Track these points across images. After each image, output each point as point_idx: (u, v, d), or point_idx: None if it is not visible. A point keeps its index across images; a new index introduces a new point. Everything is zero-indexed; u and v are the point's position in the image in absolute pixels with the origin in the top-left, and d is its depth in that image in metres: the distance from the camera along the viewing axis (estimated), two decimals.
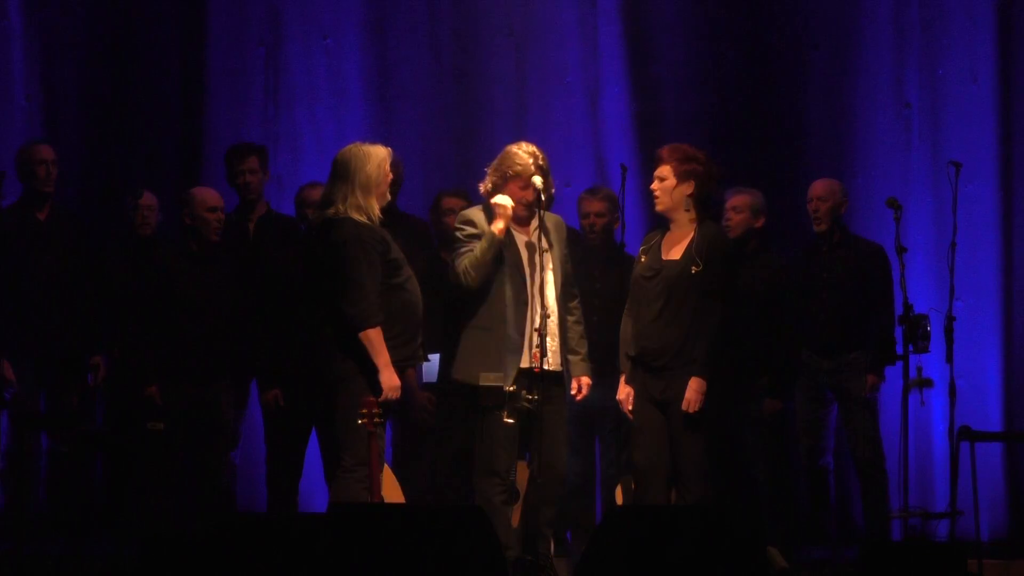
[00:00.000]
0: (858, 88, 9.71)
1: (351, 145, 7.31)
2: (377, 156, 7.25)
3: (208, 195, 8.60)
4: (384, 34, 9.89)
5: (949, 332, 8.68)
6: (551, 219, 7.59)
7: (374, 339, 7.11)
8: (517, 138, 8.99)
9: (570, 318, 7.63)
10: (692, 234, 7.50)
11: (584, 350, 7.67)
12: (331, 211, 7.20)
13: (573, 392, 7.70)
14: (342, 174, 7.23)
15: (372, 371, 7.11)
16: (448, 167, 9.75)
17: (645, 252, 7.60)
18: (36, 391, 8.85)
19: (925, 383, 8.92)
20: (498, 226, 7.45)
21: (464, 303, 7.59)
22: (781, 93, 9.77)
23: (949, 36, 9.67)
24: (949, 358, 8.66)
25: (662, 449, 7.45)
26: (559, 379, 7.60)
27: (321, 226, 7.24)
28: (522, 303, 7.48)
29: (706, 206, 7.56)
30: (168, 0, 9.87)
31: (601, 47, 9.84)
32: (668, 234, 7.59)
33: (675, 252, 7.51)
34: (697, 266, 7.42)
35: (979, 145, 9.59)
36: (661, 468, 7.44)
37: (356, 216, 7.16)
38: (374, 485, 7.11)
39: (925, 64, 9.69)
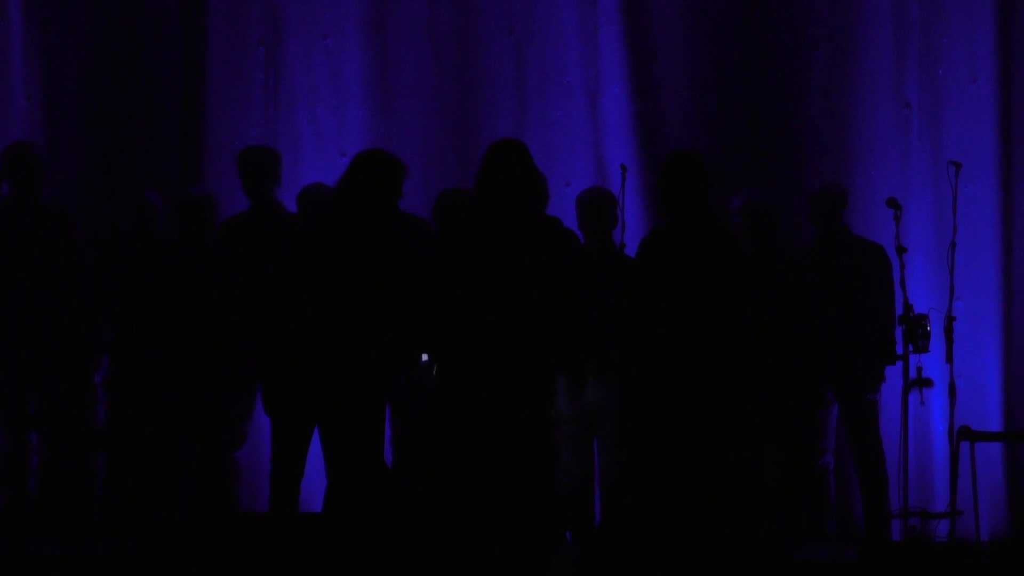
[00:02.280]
0: (858, 88, 9.71)
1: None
2: None
3: (206, 198, 8.65)
4: (384, 34, 9.89)
5: (949, 332, 8.70)
6: (544, 222, 7.55)
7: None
8: (517, 138, 9.00)
9: (562, 320, 7.60)
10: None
11: (575, 352, 7.65)
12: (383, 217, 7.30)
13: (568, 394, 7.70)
14: (394, 184, 7.31)
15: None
16: (448, 167, 9.75)
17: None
18: (25, 390, 8.87)
19: (925, 383, 8.93)
20: None
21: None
22: (781, 93, 9.77)
23: (949, 36, 9.67)
24: (949, 358, 8.67)
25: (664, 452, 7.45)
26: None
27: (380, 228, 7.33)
28: None
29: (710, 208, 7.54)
30: (168, 0, 9.87)
31: (601, 47, 9.83)
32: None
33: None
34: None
35: (979, 145, 9.59)
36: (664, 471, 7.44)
37: None
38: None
39: (925, 64, 9.69)
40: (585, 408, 8.47)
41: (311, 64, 9.86)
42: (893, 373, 8.85)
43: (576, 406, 8.41)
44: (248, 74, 9.87)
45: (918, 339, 8.60)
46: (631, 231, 8.97)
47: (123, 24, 9.84)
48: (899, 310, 8.69)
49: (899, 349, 8.73)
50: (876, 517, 8.93)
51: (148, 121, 9.81)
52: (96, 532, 8.84)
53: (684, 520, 7.06)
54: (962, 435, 8.65)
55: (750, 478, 8.60)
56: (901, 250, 8.59)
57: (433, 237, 8.80)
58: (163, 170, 9.74)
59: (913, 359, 8.67)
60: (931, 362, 8.95)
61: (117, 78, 9.82)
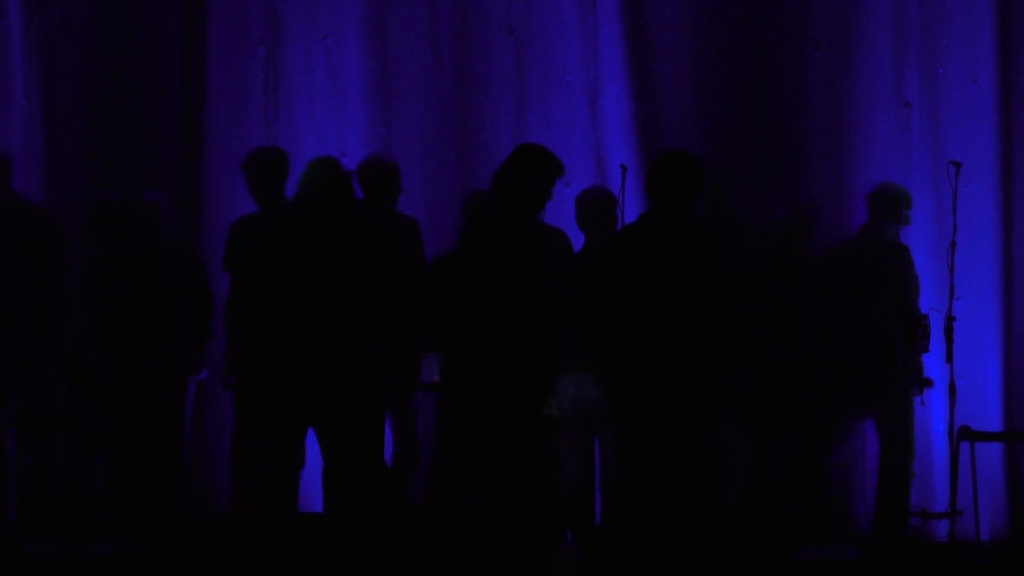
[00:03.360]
0: (858, 88, 9.71)
1: None
2: None
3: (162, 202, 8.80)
4: (384, 33, 9.89)
5: (949, 332, 8.69)
6: (536, 227, 7.55)
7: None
8: (517, 138, 9.02)
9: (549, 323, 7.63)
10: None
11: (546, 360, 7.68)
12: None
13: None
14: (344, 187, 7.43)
15: None
16: (448, 167, 9.75)
17: None
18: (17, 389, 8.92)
19: (925, 383, 8.93)
20: None
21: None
22: (781, 93, 9.77)
23: (949, 36, 9.67)
24: (949, 358, 8.67)
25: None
26: None
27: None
28: None
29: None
30: (168, 0, 9.87)
31: (601, 47, 9.83)
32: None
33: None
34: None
35: (979, 145, 9.59)
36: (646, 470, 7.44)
37: None
38: None
39: (925, 64, 9.68)
40: (586, 408, 8.47)
41: (311, 64, 9.86)
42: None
43: (578, 406, 8.41)
44: (248, 74, 9.87)
45: (918, 339, 8.60)
46: None
47: (123, 24, 9.84)
48: None
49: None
50: (892, 520, 8.91)
51: (148, 121, 9.81)
52: (96, 532, 8.84)
53: (677, 520, 7.06)
54: (962, 435, 8.64)
55: (744, 474, 8.61)
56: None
57: (420, 236, 8.85)
58: (163, 170, 9.74)
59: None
60: (931, 362, 8.95)
61: (117, 78, 9.82)
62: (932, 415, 9.45)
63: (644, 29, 9.82)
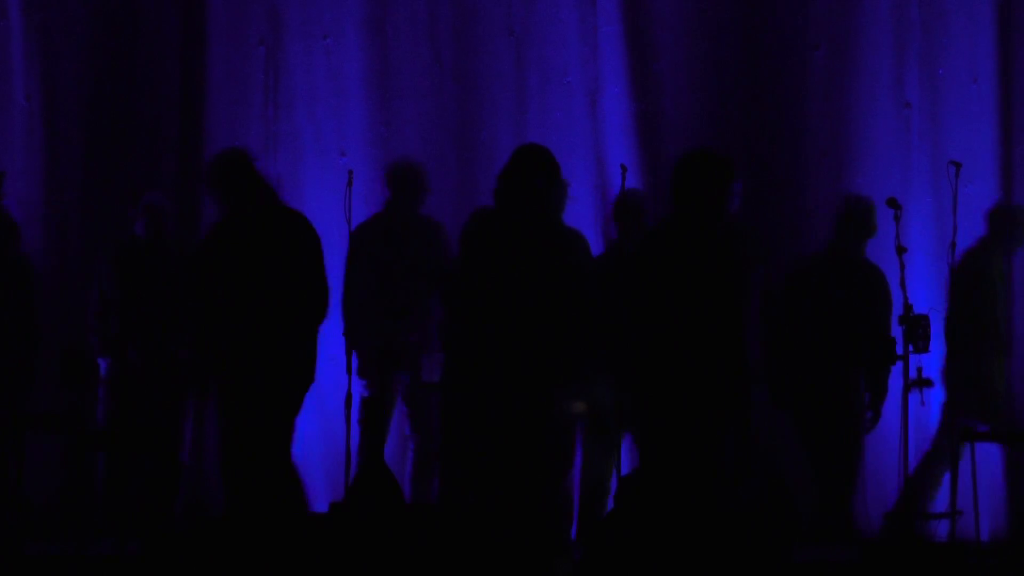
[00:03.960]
0: (858, 88, 9.71)
1: None
2: None
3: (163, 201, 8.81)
4: (384, 34, 9.90)
5: None
6: (556, 228, 7.58)
7: None
8: (517, 138, 9.02)
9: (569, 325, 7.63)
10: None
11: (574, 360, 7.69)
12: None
13: None
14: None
15: None
16: (448, 167, 9.76)
17: None
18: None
19: (925, 383, 8.93)
20: None
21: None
22: (781, 93, 9.77)
23: (949, 36, 9.67)
24: None
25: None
26: None
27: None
28: None
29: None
30: (168, 0, 9.88)
31: (601, 47, 9.84)
32: None
33: None
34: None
35: (979, 145, 9.60)
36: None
37: None
38: None
39: (925, 64, 9.69)
40: (613, 408, 8.45)
41: (311, 64, 9.87)
42: (893, 373, 8.85)
43: (605, 407, 8.41)
44: (248, 74, 9.87)
45: (918, 339, 8.60)
46: None
47: (123, 24, 9.84)
48: (899, 310, 8.69)
49: (899, 349, 8.73)
50: (902, 519, 8.92)
51: (148, 121, 9.82)
52: (96, 532, 8.85)
53: (679, 520, 7.07)
54: (962, 435, 8.65)
55: (772, 464, 8.59)
56: (901, 250, 8.59)
57: (444, 238, 8.90)
58: (163, 170, 9.75)
59: (913, 359, 8.66)
60: (931, 362, 8.96)
61: (117, 78, 9.82)
62: (932, 415, 9.45)
63: (644, 29, 9.83)
